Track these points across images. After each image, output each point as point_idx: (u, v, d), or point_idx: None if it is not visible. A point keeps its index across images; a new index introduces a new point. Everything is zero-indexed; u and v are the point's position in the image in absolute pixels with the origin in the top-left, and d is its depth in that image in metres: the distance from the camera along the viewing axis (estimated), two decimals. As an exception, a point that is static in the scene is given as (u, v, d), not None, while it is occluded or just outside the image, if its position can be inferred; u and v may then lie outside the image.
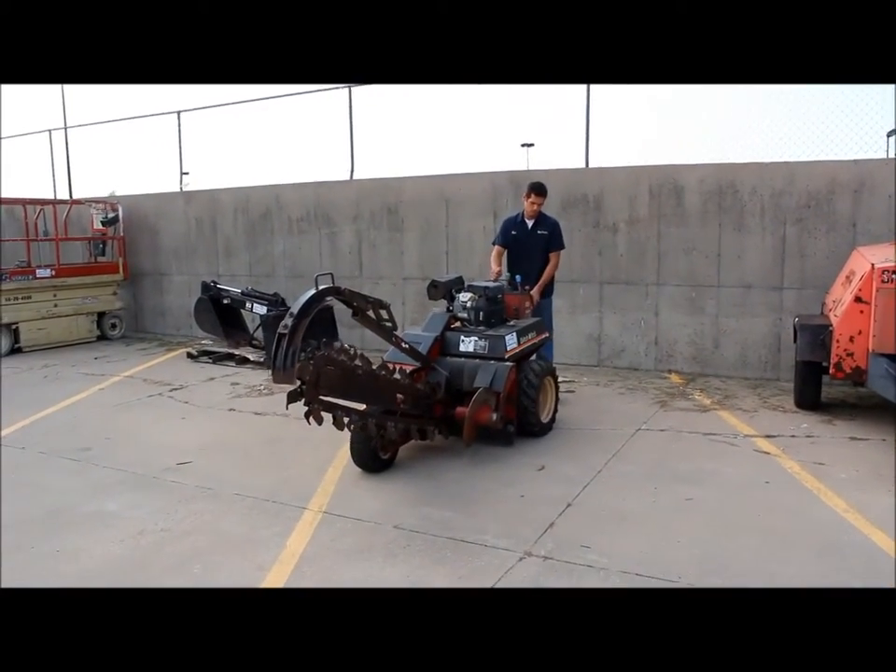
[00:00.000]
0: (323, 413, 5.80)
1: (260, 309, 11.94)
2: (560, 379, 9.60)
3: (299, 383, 5.63)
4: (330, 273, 6.10)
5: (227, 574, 4.87)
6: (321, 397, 5.79)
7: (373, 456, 6.77)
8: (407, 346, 7.07)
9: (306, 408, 5.69)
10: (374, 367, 6.42)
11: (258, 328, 12.29)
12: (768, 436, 7.56)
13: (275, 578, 4.82)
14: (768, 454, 7.03)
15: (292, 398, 5.69)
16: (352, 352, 6.16)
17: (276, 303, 11.90)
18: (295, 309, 5.61)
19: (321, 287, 5.80)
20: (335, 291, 5.96)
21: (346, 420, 6.12)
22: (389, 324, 6.59)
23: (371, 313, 6.36)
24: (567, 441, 7.72)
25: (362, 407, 6.48)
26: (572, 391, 9.96)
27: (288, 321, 5.53)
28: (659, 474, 6.70)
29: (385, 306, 6.52)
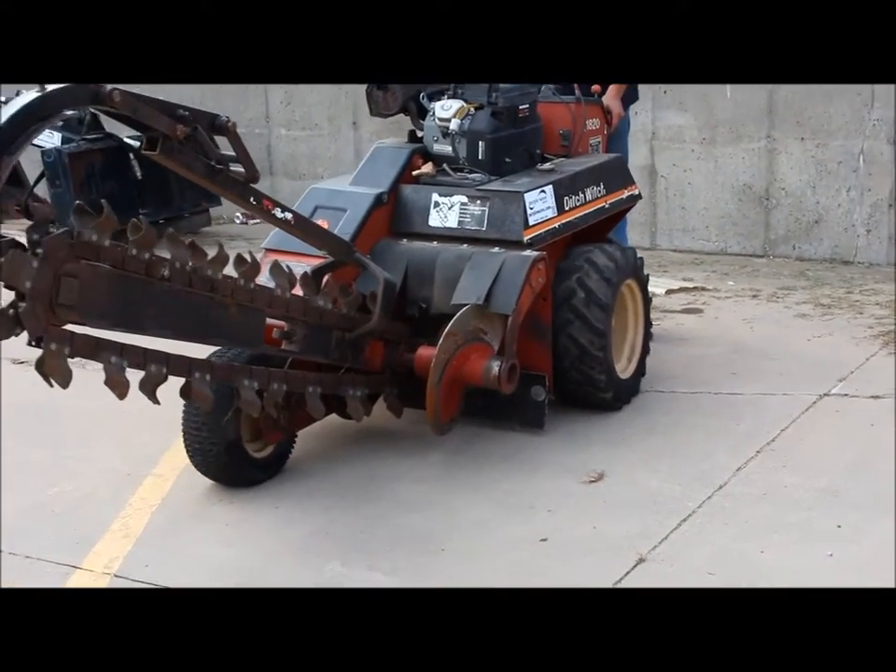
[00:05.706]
0: (90, 362, 3.02)
1: (49, 138, 7.08)
2: (665, 287, 6.05)
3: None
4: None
5: None
6: (64, 325, 2.96)
7: (234, 454, 3.87)
8: (296, 219, 3.67)
9: (37, 347, 2.91)
10: (210, 264, 3.29)
11: (39, 178, 7.08)
12: None
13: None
14: None
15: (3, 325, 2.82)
16: (143, 231, 3.08)
17: (81, 127, 7.06)
18: None
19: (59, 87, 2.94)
20: (90, 97, 3.04)
21: (148, 376, 3.15)
22: (241, 169, 3.44)
23: (184, 139, 3.22)
24: (661, 419, 4.36)
25: (193, 350, 3.42)
26: (697, 309, 5.83)
27: None
28: (853, 496, 3.63)
29: (222, 126, 3.37)
